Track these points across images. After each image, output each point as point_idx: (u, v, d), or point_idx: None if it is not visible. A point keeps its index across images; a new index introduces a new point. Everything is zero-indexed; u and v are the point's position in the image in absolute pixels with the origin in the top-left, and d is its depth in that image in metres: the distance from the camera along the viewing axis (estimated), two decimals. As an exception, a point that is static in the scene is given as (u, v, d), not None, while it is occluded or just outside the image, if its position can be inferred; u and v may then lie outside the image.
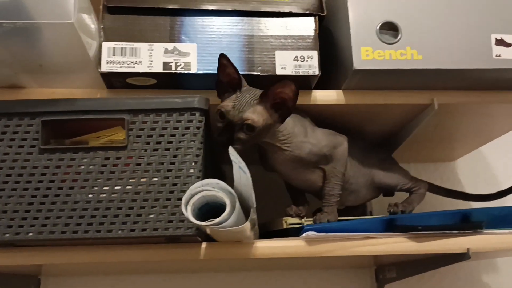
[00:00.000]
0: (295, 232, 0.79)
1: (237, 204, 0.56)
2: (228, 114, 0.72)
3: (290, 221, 0.81)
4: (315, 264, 1.07)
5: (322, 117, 0.86)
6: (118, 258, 0.73)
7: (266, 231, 0.88)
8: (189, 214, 0.55)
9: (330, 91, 0.84)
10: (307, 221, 0.81)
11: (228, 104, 0.73)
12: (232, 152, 0.59)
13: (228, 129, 0.73)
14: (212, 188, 0.56)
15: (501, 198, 1.02)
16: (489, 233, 0.80)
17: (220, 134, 0.73)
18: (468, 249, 0.77)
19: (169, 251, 0.74)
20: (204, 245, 0.74)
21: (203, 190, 0.56)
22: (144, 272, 1.09)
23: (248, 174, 0.60)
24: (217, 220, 0.55)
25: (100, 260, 0.73)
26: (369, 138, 0.98)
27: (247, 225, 0.59)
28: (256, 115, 0.72)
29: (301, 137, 0.79)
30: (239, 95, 0.74)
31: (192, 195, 0.56)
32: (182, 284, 1.12)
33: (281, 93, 0.72)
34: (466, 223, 0.82)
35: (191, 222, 0.55)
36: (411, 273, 1.00)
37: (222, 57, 0.73)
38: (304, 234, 0.75)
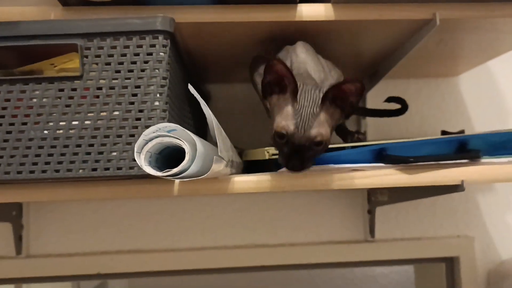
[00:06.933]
0: (278, 163, 0.73)
1: (201, 149, 0.48)
2: (292, 138, 0.63)
3: (273, 151, 0.75)
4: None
5: (308, 35, 0.76)
6: (85, 195, 0.68)
7: (250, 160, 0.83)
8: (142, 162, 0.48)
9: (317, 5, 0.73)
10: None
11: (288, 124, 0.63)
12: (193, 91, 0.51)
13: (294, 152, 0.63)
14: (167, 132, 0.49)
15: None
16: (486, 163, 0.73)
17: (288, 160, 0.64)
18: (462, 181, 0.71)
19: (140, 187, 0.68)
20: (177, 180, 0.68)
21: (158, 136, 0.49)
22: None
23: (211, 119, 0.53)
24: (175, 170, 0.48)
25: (66, 198, 0.68)
26: (360, 58, 0.88)
27: (211, 172, 0.52)
28: (323, 128, 0.63)
29: (329, 80, 0.74)
30: (296, 106, 0.63)
31: (146, 141, 0.49)
32: (164, 206, 1.10)
33: (343, 89, 0.63)
34: (462, 151, 0.76)
35: (145, 172, 0.49)
36: (402, 199, 0.96)
37: (274, 59, 0.62)
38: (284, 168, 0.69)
